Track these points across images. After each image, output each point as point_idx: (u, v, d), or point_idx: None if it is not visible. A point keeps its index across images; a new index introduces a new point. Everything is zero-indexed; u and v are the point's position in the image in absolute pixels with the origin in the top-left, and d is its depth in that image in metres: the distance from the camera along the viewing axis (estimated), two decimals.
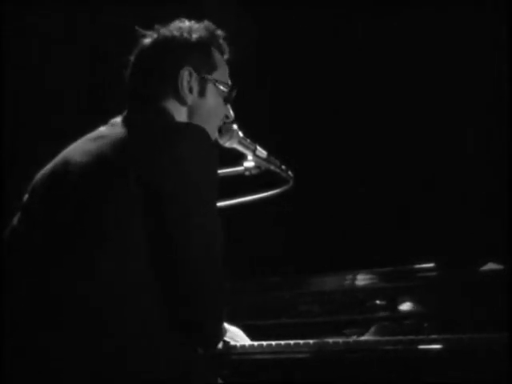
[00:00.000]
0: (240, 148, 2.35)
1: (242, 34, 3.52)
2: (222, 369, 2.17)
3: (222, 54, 2.06)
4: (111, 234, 1.63)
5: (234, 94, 2.07)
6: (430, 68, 3.62)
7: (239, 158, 2.41)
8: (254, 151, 2.37)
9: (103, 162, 1.70)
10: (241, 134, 2.32)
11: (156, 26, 2.02)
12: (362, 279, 2.58)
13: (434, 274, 2.44)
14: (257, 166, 2.40)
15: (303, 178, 2.56)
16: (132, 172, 1.64)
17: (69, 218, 1.68)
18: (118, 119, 1.85)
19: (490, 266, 2.38)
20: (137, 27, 2.01)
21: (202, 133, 1.76)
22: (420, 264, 2.49)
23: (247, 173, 2.41)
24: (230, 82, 2.06)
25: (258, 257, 3.57)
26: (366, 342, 2.18)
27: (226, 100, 2.06)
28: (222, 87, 2.01)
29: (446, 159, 3.51)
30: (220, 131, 2.23)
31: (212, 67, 2.00)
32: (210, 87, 1.98)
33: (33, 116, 3.81)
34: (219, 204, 2.37)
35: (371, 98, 3.70)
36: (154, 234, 1.64)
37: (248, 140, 2.35)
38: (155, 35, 1.99)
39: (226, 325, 2.17)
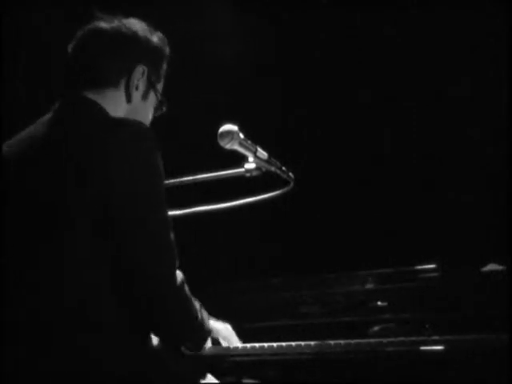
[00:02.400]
0: (241, 150, 2.35)
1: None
2: (222, 370, 2.17)
3: (164, 73, 2.10)
4: (69, 236, 1.65)
5: (162, 110, 2.11)
6: (430, 68, 3.62)
7: (240, 159, 2.41)
8: (254, 153, 2.37)
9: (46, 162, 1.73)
10: (241, 135, 2.32)
11: (116, 16, 2.02)
12: (363, 280, 2.58)
13: (435, 275, 2.44)
14: (258, 168, 2.40)
15: (304, 179, 2.56)
16: (74, 173, 1.66)
17: (33, 217, 1.71)
18: (47, 117, 1.87)
19: (492, 266, 2.38)
20: (95, 11, 2.00)
21: (145, 129, 1.80)
22: (421, 265, 2.49)
23: (248, 174, 2.41)
24: (163, 99, 2.09)
25: (258, 258, 3.56)
26: (367, 343, 2.17)
27: (155, 113, 2.10)
28: (158, 99, 2.05)
29: (447, 160, 3.51)
30: (221, 134, 2.25)
31: (158, 77, 2.04)
32: (151, 95, 2.02)
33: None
34: (221, 206, 2.38)
35: (370, 100, 3.70)
36: (109, 237, 1.67)
37: (249, 141, 2.35)
38: (116, 22, 1.98)
39: (213, 322, 2.16)
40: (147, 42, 1.99)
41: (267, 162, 2.41)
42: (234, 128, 2.30)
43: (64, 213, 1.66)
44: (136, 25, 2.00)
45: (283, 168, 2.47)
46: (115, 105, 1.90)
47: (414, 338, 2.16)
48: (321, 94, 3.80)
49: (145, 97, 1.99)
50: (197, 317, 1.88)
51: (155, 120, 2.14)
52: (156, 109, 2.08)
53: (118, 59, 1.93)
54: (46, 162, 1.72)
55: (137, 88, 1.95)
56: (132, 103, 1.96)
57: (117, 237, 1.67)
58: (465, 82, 3.52)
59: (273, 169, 2.43)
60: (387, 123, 3.65)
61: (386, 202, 3.48)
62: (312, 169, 3.54)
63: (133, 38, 1.96)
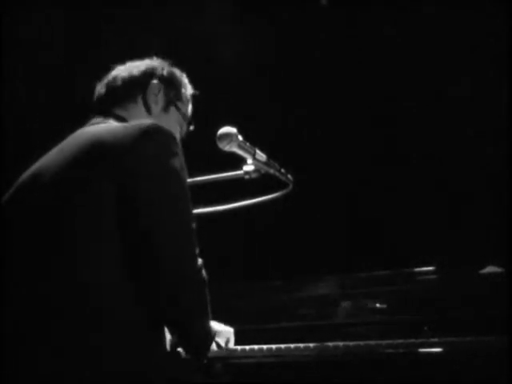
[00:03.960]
0: (240, 152, 2.35)
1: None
2: (221, 372, 2.17)
3: (189, 99, 2.29)
4: (85, 236, 1.71)
5: (189, 128, 2.29)
6: (430, 68, 3.62)
7: (239, 161, 2.41)
8: (253, 155, 2.37)
9: (75, 166, 1.80)
10: (240, 137, 2.32)
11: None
12: (362, 282, 2.58)
13: (434, 277, 2.44)
14: (256, 170, 2.40)
15: (303, 181, 2.56)
16: (104, 176, 1.74)
17: (44, 222, 1.76)
18: (86, 128, 2.00)
19: (490, 268, 2.38)
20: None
21: (170, 135, 1.90)
22: (420, 267, 2.49)
23: (247, 177, 2.41)
24: (189, 118, 2.28)
25: (257, 260, 3.56)
26: (366, 345, 2.17)
27: (182, 130, 2.26)
28: (181, 116, 2.24)
29: (447, 161, 3.51)
30: (220, 136, 2.26)
31: (177, 97, 2.24)
32: (172, 110, 2.21)
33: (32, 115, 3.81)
34: (219, 208, 2.38)
35: (370, 101, 3.70)
36: (131, 237, 1.73)
37: (247, 144, 2.35)
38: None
39: (213, 323, 2.16)
40: (161, 67, 2.24)
41: (266, 164, 2.41)
42: (233, 130, 2.30)
43: (82, 210, 1.73)
44: (154, 60, 2.27)
45: (282, 170, 2.47)
46: (137, 117, 2.11)
47: (412, 340, 2.16)
48: (320, 94, 3.80)
49: (165, 110, 2.20)
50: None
51: None
52: (181, 125, 2.25)
53: (131, 80, 2.19)
54: (82, 159, 1.81)
55: (156, 102, 2.18)
56: (153, 115, 2.16)
57: (141, 232, 1.74)
58: (465, 82, 3.51)
59: (272, 171, 2.43)
60: (386, 124, 3.66)
61: (385, 203, 3.48)
62: (311, 171, 3.55)
63: (146, 65, 2.24)
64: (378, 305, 2.45)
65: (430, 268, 2.46)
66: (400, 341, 2.17)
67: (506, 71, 3.24)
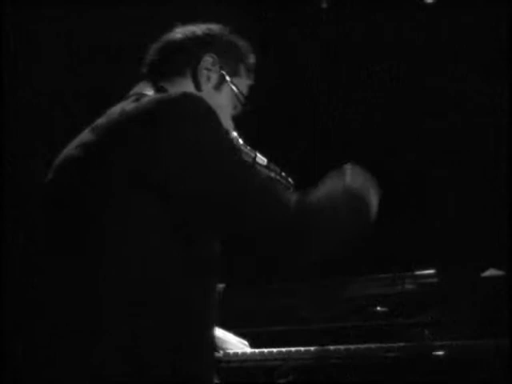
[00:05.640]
0: None
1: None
2: (222, 376, 2.17)
3: (248, 74, 2.04)
4: (126, 220, 1.56)
5: (243, 107, 2.03)
6: (430, 68, 3.62)
7: None
8: (253, 158, 2.36)
9: (95, 152, 1.65)
10: (241, 141, 2.32)
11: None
12: (362, 285, 2.58)
13: (435, 280, 2.44)
14: None
15: (304, 185, 2.55)
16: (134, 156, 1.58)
17: (80, 205, 1.62)
18: (120, 104, 1.78)
19: (492, 272, 2.38)
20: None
21: (196, 99, 1.69)
22: (421, 270, 2.49)
23: None
24: (244, 98, 2.01)
25: (257, 263, 3.55)
26: (367, 349, 2.17)
27: (234, 109, 2.02)
28: (236, 94, 1.98)
29: (448, 162, 3.51)
30: None
31: (235, 72, 1.97)
32: (226, 87, 1.95)
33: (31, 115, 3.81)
34: None
35: (369, 101, 3.70)
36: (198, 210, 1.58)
37: (248, 147, 2.34)
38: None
39: (218, 332, 2.15)
40: (220, 36, 1.98)
41: (267, 167, 2.40)
42: (233, 133, 2.29)
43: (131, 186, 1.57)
44: (213, 26, 2.01)
45: (283, 174, 2.46)
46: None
47: (413, 344, 2.16)
48: (321, 95, 3.80)
49: (217, 88, 1.94)
50: None
51: None
52: (235, 105, 2.01)
53: (183, 49, 1.94)
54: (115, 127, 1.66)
55: (208, 78, 1.92)
56: (203, 92, 1.90)
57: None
58: (465, 82, 3.51)
59: (272, 174, 2.42)
60: (385, 125, 3.65)
61: (385, 206, 3.47)
62: (312, 174, 3.53)
63: (203, 32, 1.97)
64: (378, 308, 2.45)
65: (431, 271, 2.46)
66: (401, 344, 2.17)
67: (506, 71, 3.24)
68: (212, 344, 1.71)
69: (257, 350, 2.24)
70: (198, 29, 1.98)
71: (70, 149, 1.73)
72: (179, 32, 1.98)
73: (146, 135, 1.59)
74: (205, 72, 1.91)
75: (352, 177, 1.91)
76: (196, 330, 1.61)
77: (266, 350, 2.22)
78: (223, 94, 1.95)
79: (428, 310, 2.35)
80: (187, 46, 1.94)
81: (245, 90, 2.03)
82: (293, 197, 1.69)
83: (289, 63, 3.84)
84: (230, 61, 1.97)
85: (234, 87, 1.96)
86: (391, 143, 3.62)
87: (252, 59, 2.04)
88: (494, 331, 2.12)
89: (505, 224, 2.75)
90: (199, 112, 1.65)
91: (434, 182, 3.51)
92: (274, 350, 2.22)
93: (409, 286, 2.47)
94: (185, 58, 1.92)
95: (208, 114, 1.66)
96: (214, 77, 1.93)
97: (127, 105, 1.71)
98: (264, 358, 2.24)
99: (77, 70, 3.78)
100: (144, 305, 1.53)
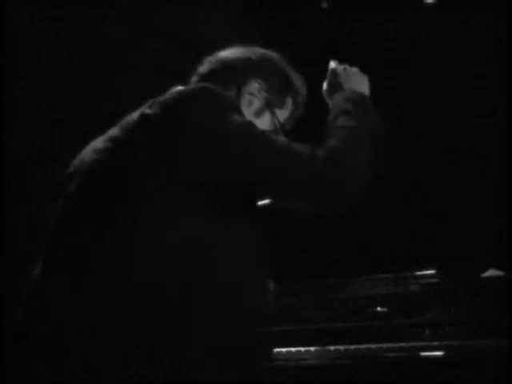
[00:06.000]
0: None
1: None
2: None
3: (296, 108, 1.99)
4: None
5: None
6: (429, 68, 3.62)
7: None
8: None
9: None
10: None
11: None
12: (363, 285, 2.58)
13: (435, 280, 2.44)
14: None
15: None
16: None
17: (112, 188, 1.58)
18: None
19: (491, 272, 2.38)
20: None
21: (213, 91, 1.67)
22: (421, 270, 2.49)
23: None
24: (283, 129, 1.95)
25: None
26: (367, 349, 2.17)
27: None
28: (275, 125, 1.92)
29: (448, 163, 3.51)
30: None
31: (280, 104, 1.94)
32: (266, 115, 1.91)
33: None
34: None
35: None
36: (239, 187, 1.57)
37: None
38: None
39: None
40: (275, 65, 1.94)
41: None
42: None
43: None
44: (270, 54, 1.97)
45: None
46: None
47: (413, 344, 2.17)
48: (320, 95, 3.79)
49: (257, 114, 1.89)
50: None
51: None
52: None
53: (233, 68, 1.89)
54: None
55: (250, 103, 1.88)
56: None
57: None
58: (465, 82, 3.51)
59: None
60: (384, 125, 3.65)
61: (385, 206, 3.48)
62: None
63: (258, 57, 1.93)
64: (378, 308, 2.45)
65: (431, 271, 2.46)
66: (401, 344, 2.17)
67: (506, 71, 3.24)
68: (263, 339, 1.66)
69: None
70: (254, 52, 1.94)
71: (98, 142, 1.71)
72: (234, 51, 1.95)
73: (175, 125, 1.57)
74: (247, 96, 1.87)
75: (341, 76, 1.94)
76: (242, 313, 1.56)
77: None
78: (262, 120, 1.90)
79: (428, 310, 2.36)
80: (237, 66, 1.89)
81: (289, 122, 1.99)
82: (314, 148, 1.66)
83: (288, 63, 3.84)
84: (279, 92, 1.92)
85: (275, 119, 1.92)
86: (391, 143, 3.62)
87: (303, 94, 1.99)
88: (494, 331, 2.12)
89: (505, 224, 2.76)
90: (220, 101, 1.62)
91: (434, 182, 3.51)
92: (274, 350, 2.22)
93: (409, 286, 2.47)
94: (232, 76, 1.88)
95: (224, 98, 1.64)
96: (256, 103, 1.88)
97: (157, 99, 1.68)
98: None
99: (76, 70, 3.79)
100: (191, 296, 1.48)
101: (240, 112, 1.66)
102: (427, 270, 2.46)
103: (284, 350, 2.21)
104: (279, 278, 2.89)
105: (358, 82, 1.95)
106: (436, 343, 2.15)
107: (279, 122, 1.93)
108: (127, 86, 3.98)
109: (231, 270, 1.55)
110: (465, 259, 2.93)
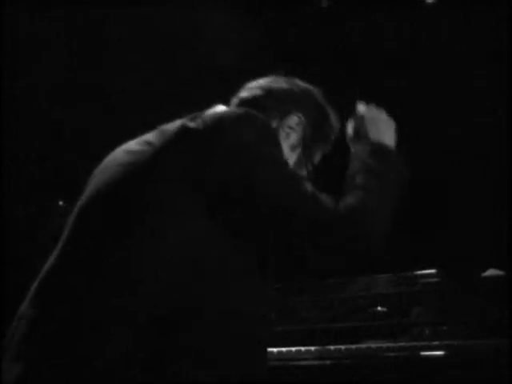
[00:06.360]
0: None
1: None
2: None
3: (325, 145, 1.98)
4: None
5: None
6: (429, 68, 3.62)
7: None
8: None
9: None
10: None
11: None
12: (363, 285, 2.58)
13: (435, 280, 2.44)
14: None
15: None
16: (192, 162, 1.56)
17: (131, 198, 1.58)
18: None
19: (492, 272, 2.38)
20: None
21: (260, 119, 1.67)
22: (421, 270, 2.49)
23: None
24: (312, 166, 1.96)
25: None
26: (367, 348, 2.17)
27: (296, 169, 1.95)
28: (304, 162, 1.91)
29: (448, 163, 3.51)
30: None
31: (314, 140, 1.92)
32: (299, 151, 1.89)
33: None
34: None
35: (368, 101, 3.69)
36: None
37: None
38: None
39: None
40: (316, 101, 1.93)
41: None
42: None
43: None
44: (312, 89, 1.96)
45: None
46: None
47: (414, 344, 2.17)
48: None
49: (293, 148, 1.89)
50: None
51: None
52: (300, 168, 1.93)
53: (276, 98, 1.88)
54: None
55: (288, 136, 1.87)
56: None
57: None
58: (465, 82, 3.51)
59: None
60: None
61: None
62: (312, 173, 3.54)
63: (301, 90, 1.93)
64: (378, 308, 2.45)
65: (431, 271, 2.46)
66: (401, 344, 2.17)
67: (506, 71, 3.24)
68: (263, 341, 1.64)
69: None
70: (295, 84, 1.93)
71: (131, 144, 1.71)
72: (276, 80, 1.93)
73: (207, 141, 1.57)
74: (286, 129, 1.86)
75: (369, 125, 1.87)
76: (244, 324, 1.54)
77: None
78: (295, 155, 1.89)
79: (428, 309, 2.36)
80: (280, 97, 1.88)
81: (313, 163, 1.97)
82: (335, 203, 1.63)
83: (288, 63, 3.84)
84: (316, 127, 1.91)
85: (307, 158, 1.90)
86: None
87: (337, 132, 1.98)
88: (494, 331, 2.12)
89: (505, 224, 2.76)
90: (259, 125, 1.62)
91: (434, 182, 3.51)
92: (275, 349, 2.22)
93: (409, 286, 2.47)
94: (275, 106, 1.86)
95: (267, 128, 1.64)
96: (294, 137, 1.87)
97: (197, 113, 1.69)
98: None
99: (76, 70, 3.79)
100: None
101: (279, 145, 1.64)
102: (427, 269, 2.46)
103: (284, 349, 2.20)
104: (279, 278, 2.89)
105: (385, 131, 1.88)
106: (436, 343, 2.15)
107: (311, 159, 1.92)
108: (127, 86, 3.99)
109: (236, 283, 1.53)
110: (465, 259, 2.94)
